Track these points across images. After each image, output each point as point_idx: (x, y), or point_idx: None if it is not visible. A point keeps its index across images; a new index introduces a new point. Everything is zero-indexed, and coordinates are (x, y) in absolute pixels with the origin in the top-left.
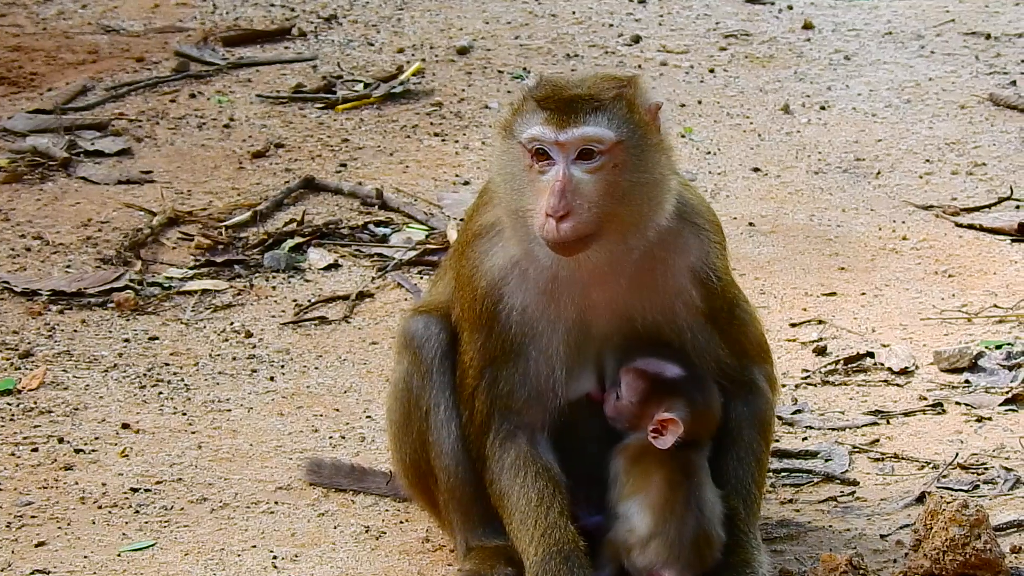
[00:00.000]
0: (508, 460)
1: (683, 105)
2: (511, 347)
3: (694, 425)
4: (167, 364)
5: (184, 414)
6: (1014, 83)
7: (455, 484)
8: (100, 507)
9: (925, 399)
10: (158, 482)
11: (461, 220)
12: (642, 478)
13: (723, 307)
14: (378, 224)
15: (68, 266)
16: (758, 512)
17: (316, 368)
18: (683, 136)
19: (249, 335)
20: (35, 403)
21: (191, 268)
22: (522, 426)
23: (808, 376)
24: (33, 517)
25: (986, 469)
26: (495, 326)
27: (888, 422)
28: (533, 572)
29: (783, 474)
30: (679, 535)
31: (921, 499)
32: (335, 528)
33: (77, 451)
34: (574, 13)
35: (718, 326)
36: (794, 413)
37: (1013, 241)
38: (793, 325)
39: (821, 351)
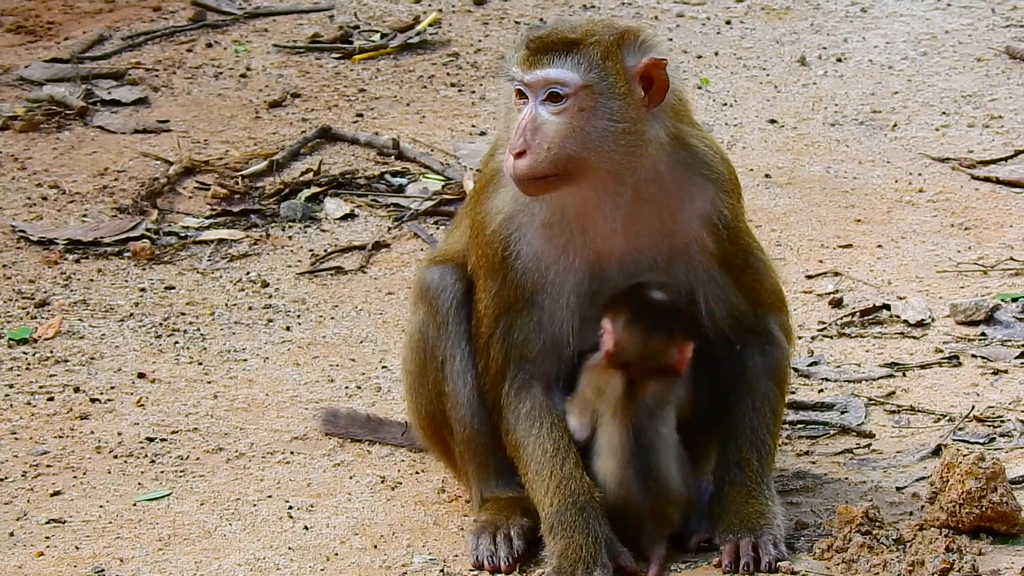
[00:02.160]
0: (524, 410)
1: (700, 56)
2: (524, 295)
3: (635, 347)
4: (183, 314)
5: (200, 364)
6: None
7: (471, 435)
8: (116, 456)
9: (941, 352)
10: (174, 432)
11: (477, 170)
12: (604, 415)
13: (737, 254)
14: (394, 174)
15: (84, 215)
16: (772, 462)
17: (332, 318)
18: (700, 87)
19: (265, 285)
20: (51, 352)
21: (207, 217)
22: (537, 376)
23: (824, 328)
24: (49, 466)
25: (1002, 422)
26: (507, 273)
27: (904, 374)
28: (549, 523)
29: (799, 426)
30: (637, 508)
31: (937, 452)
32: (351, 478)
33: (93, 400)
34: None
35: (732, 274)
36: (810, 365)
37: None
38: (809, 277)
39: (837, 303)
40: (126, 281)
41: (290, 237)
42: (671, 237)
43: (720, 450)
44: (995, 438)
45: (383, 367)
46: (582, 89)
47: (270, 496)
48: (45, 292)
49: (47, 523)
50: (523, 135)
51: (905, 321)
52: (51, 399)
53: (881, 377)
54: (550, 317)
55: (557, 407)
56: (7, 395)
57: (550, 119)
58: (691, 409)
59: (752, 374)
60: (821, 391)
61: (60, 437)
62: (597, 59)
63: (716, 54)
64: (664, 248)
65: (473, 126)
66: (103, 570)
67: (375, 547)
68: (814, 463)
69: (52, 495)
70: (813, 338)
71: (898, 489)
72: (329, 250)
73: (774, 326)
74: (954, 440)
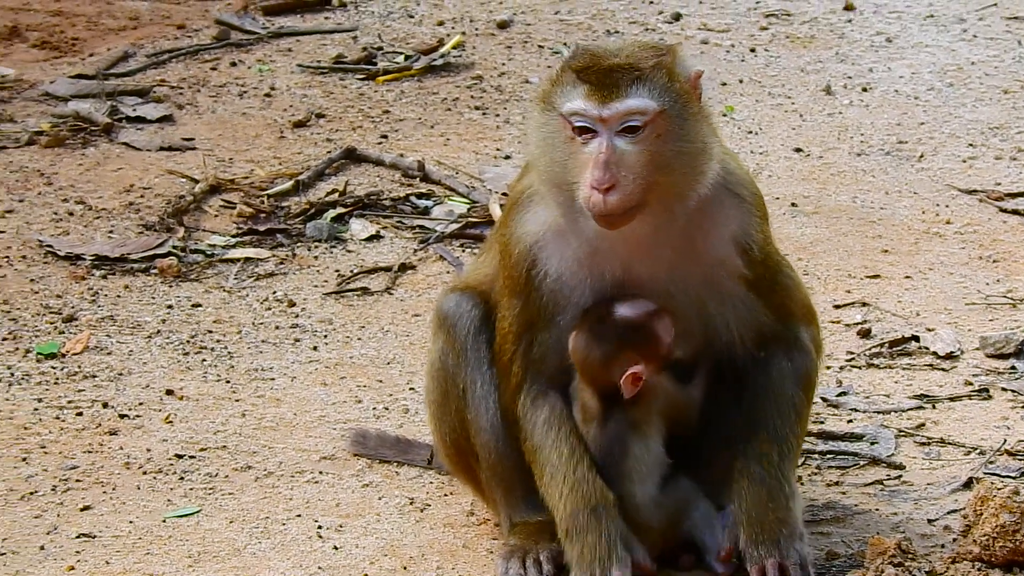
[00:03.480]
0: (541, 417)
1: (724, 84)
2: (547, 313)
3: (580, 360)
4: (210, 331)
5: (228, 382)
6: None
7: (496, 460)
8: (145, 472)
9: (971, 384)
10: (202, 449)
11: (503, 194)
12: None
13: (766, 275)
14: (420, 196)
15: (111, 231)
16: (794, 462)
17: (359, 339)
18: (724, 115)
19: (292, 304)
20: (79, 367)
21: (233, 236)
22: (555, 386)
23: (852, 358)
24: (78, 481)
25: None
26: (531, 292)
27: (934, 406)
28: (564, 527)
29: (828, 456)
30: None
31: (968, 484)
32: (379, 499)
33: (122, 416)
34: None
35: (761, 294)
36: (839, 395)
37: None
38: (837, 307)
39: (865, 333)
40: (153, 298)
41: (316, 257)
42: (701, 259)
43: (740, 448)
44: None
45: (410, 388)
46: (658, 116)
47: (299, 515)
48: (73, 307)
49: (77, 537)
50: (608, 170)
51: (934, 353)
52: (80, 414)
53: (911, 408)
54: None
55: (573, 417)
56: (36, 409)
57: (631, 149)
58: (699, 416)
59: (777, 378)
60: (850, 421)
61: (89, 452)
62: (664, 82)
63: (741, 81)
64: (694, 271)
65: (498, 149)
66: None
67: (404, 568)
68: (844, 493)
69: (82, 510)
70: (841, 368)
71: (930, 521)
72: (355, 271)
73: (804, 335)
74: (985, 473)
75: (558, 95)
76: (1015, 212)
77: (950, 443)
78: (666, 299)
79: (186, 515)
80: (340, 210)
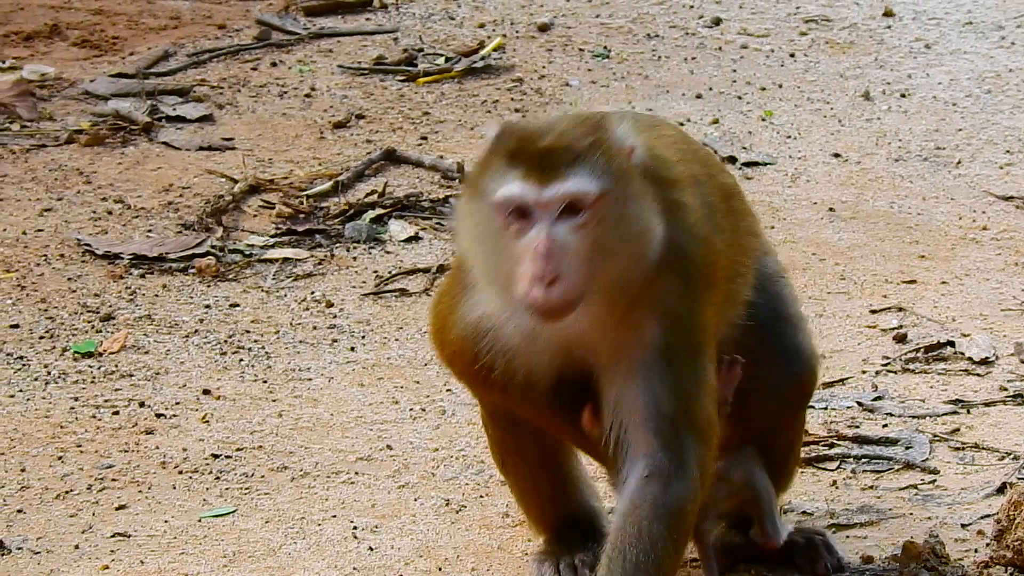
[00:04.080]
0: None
1: (764, 88)
2: (496, 388)
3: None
4: (248, 331)
5: (265, 382)
6: None
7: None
8: (181, 472)
9: (1006, 390)
10: (239, 449)
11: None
12: None
13: (680, 353)
14: (459, 198)
15: (149, 230)
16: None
17: (396, 340)
18: (763, 119)
19: (330, 305)
20: (116, 366)
21: (272, 236)
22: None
23: (888, 363)
24: (114, 480)
25: None
26: (476, 383)
27: (968, 411)
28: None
29: (863, 460)
30: None
31: (1002, 489)
32: (415, 500)
33: (158, 415)
34: None
35: (669, 375)
36: (875, 400)
37: None
38: (873, 312)
39: (901, 339)
40: (191, 297)
41: (355, 258)
42: (640, 341)
43: None
44: None
45: (447, 390)
46: (600, 198)
47: (335, 516)
48: (110, 306)
49: (112, 536)
50: (548, 261)
51: (969, 358)
52: (116, 413)
53: (945, 414)
54: (523, 401)
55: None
56: (72, 408)
57: (572, 237)
58: None
59: (634, 505)
60: (886, 426)
61: (125, 451)
62: (604, 161)
63: (780, 86)
64: (634, 354)
65: None
66: None
67: (439, 569)
68: (879, 497)
69: (117, 509)
70: (877, 373)
71: (963, 526)
72: (393, 272)
73: (691, 458)
74: (1019, 478)
75: (489, 181)
76: None
77: (984, 448)
78: (607, 385)
79: (221, 515)
80: (379, 211)
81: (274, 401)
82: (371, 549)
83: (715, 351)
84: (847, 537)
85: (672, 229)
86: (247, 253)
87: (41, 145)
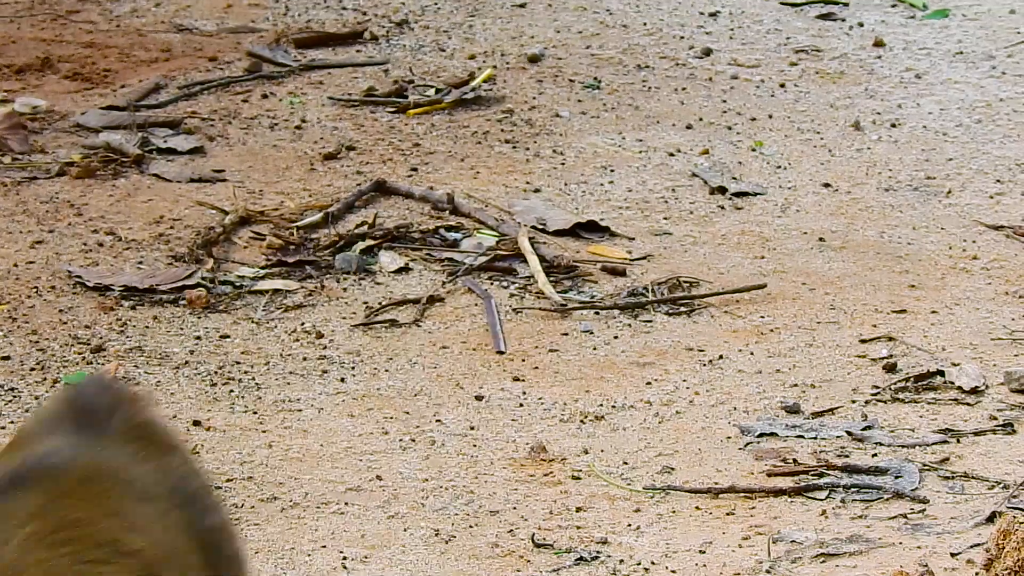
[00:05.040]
0: None
1: (753, 119)
2: None
3: None
4: (238, 363)
5: (255, 413)
6: None
7: None
8: None
9: (995, 419)
10: (228, 480)
11: (532, 227)
12: None
13: None
14: (449, 229)
15: (140, 262)
16: None
17: (386, 371)
18: (753, 150)
19: (320, 336)
20: None
21: (262, 268)
22: None
23: (878, 393)
24: None
25: None
26: None
27: (958, 441)
28: None
29: (853, 490)
30: None
31: (992, 519)
32: (405, 530)
33: None
34: (645, 24)
35: None
36: (864, 429)
37: None
38: (863, 341)
39: (891, 368)
40: (181, 329)
41: (345, 289)
42: None
43: None
44: None
45: (437, 420)
46: None
47: (324, 546)
48: (101, 338)
49: None
50: None
51: (959, 388)
52: None
53: (935, 443)
54: None
55: None
56: None
57: None
58: None
59: None
60: (875, 455)
61: None
62: None
63: (770, 116)
64: None
65: (527, 183)
66: None
67: None
68: (868, 527)
69: None
70: (867, 402)
71: (953, 555)
72: (384, 303)
73: None
74: (1008, 507)
75: None
76: None
77: (974, 477)
78: None
79: None
80: (369, 242)
81: (264, 432)
82: None
83: None
84: (836, 567)
85: None
86: (237, 284)
87: (32, 178)
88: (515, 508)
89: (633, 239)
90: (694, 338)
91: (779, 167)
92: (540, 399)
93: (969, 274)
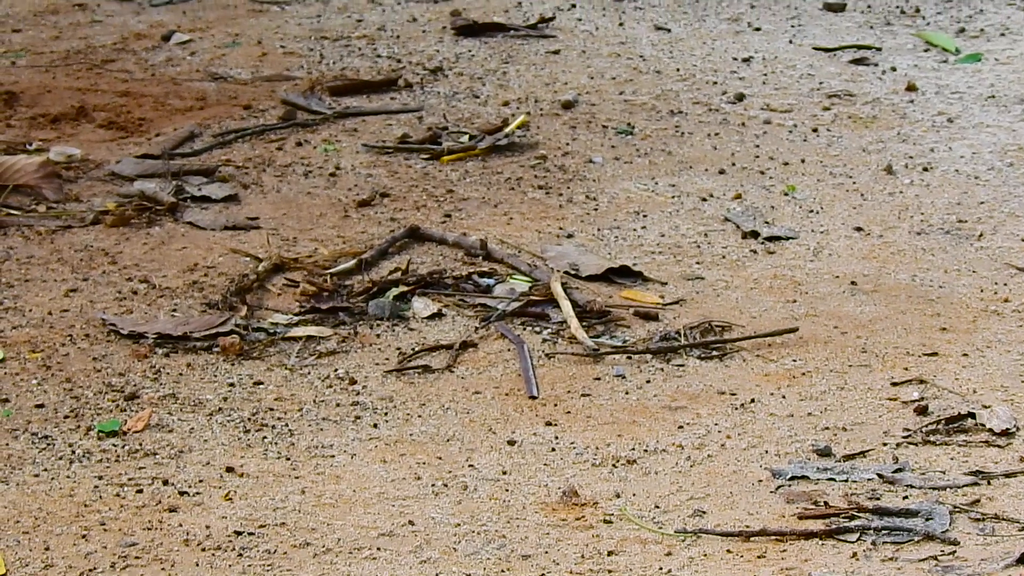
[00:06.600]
0: None
1: (786, 163)
2: None
3: None
4: (271, 409)
5: (288, 459)
6: None
7: None
8: (204, 549)
9: None
10: (261, 526)
11: (565, 273)
12: None
13: None
14: (482, 275)
15: (174, 310)
16: None
17: (419, 416)
18: (786, 194)
19: (353, 382)
20: (140, 445)
21: (296, 314)
22: None
23: (909, 435)
24: (137, 558)
25: None
26: None
27: (989, 483)
28: None
29: (883, 532)
30: None
31: (1021, 560)
32: (437, 575)
33: (182, 493)
34: (678, 70)
35: None
36: (895, 472)
37: None
38: (894, 384)
39: (922, 411)
40: (215, 376)
41: (378, 335)
42: None
43: None
44: None
45: (470, 465)
46: None
47: None
48: (135, 385)
49: None
50: None
51: (990, 430)
52: (140, 491)
53: (966, 485)
54: None
55: None
56: (96, 487)
57: None
58: None
59: None
60: (906, 498)
61: (149, 529)
62: None
63: (803, 161)
64: None
65: (560, 228)
66: None
67: None
68: (899, 569)
69: None
70: (898, 445)
71: None
72: (416, 349)
73: None
74: None
75: None
76: None
77: (1005, 519)
78: None
79: None
80: (402, 288)
81: (297, 478)
82: None
83: None
84: None
85: None
86: (271, 331)
87: (67, 226)
88: (547, 552)
89: (666, 284)
90: (726, 382)
91: (811, 211)
92: (572, 443)
93: (1001, 317)
